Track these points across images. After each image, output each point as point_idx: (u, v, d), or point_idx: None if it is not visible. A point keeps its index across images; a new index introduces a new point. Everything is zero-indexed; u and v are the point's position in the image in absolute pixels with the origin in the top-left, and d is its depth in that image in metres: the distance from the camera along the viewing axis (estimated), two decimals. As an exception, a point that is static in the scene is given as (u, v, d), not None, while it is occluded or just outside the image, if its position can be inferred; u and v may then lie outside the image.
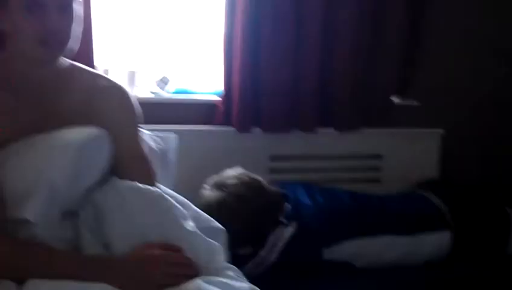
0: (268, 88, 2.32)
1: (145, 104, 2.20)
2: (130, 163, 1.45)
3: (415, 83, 2.67)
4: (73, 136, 1.34)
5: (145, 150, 1.55)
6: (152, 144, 1.79)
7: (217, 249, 1.38)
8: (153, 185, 1.44)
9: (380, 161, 2.65)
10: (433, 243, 2.06)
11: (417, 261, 2.05)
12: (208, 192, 1.93)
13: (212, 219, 1.60)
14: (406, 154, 2.65)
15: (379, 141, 2.63)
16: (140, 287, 1.24)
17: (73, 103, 1.41)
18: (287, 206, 1.98)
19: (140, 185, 1.39)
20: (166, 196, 1.39)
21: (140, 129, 1.54)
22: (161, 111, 2.32)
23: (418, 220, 2.07)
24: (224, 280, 1.28)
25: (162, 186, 1.48)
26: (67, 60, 1.44)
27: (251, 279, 1.44)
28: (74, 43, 1.36)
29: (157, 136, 1.89)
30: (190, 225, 1.37)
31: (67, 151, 1.31)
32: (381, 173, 2.65)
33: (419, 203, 2.16)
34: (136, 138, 1.50)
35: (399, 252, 2.01)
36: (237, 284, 1.29)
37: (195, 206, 1.64)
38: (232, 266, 1.38)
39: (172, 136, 1.93)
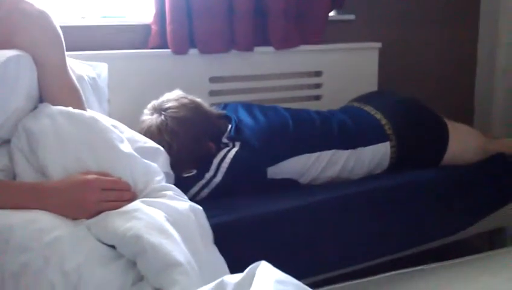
0: (201, 6, 2.25)
1: (76, 29, 2.14)
2: (58, 92, 1.42)
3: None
4: None
5: (74, 78, 1.50)
6: (81, 72, 1.73)
7: (154, 169, 1.38)
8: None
9: (320, 78, 2.65)
10: (374, 155, 2.09)
11: (359, 173, 2.08)
12: (148, 117, 1.88)
13: (149, 139, 1.58)
14: (346, 69, 2.66)
15: (318, 57, 2.62)
16: (77, 212, 1.23)
17: None
18: (229, 127, 1.96)
19: (71, 109, 1.35)
20: (98, 119, 1.36)
21: (68, 57, 1.48)
22: (93, 36, 2.23)
23: (360, 134, 2.09)
24: (163, 201, 1.28)
25: (94, 112, 1.45)
26: None
27: (197, 201, 1.44)
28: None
29: (87, 64, 1.84)
30: (126, 146, 1.35)
31: None
32: (322, 89, 2.66)
33: (360, 117, 2.17)
34: (63, 66, 1.46)
35: (341, 166, 2.03)
36: (177, 203, 1.29)
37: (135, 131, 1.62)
38: (171, 185, 1.38)
39: (102, 64, 1.90)
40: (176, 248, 1.15)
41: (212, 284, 1.02)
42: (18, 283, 1.11)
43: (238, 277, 1.07)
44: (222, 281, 1.06)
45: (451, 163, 2.18)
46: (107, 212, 1.22)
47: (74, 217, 1.22)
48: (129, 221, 1.18)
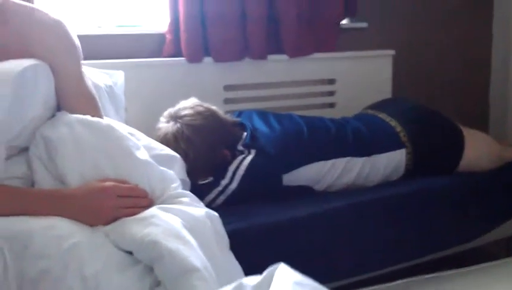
0: (215, 14, 2.27)
1: (91, 38, 2.16)
2: (75, 100, 1.42)
3: (363, 5, 2.65)
4: (10, 67, 1.29)
5: (90, 86, 1.51)
6: (98, 80, 1.75)
7: (171, 176, 1.38)
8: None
9: (333, 86, 2.65)
10: (389, 162, 2.08)
11: (374, 180, 2.08)
12: (164, 124, 1.89)
13: (165, 146, 1.59)
14: (359, 77, 2.67)
15: (332, 65, 2.62)
16: (94, 218, 1.24)
17: (10, 36, 1.35)
18: (244, 134, 1.97)
19: (88, 117, 1.37)
20: (115, 127, 1.37)
21: (84, 66, 1.50)
22: (108, 45, 2.25)
23: (375, 141, 2.09)
24: (180, 207, 1.29)
25: (111, 120, 1.46)
26: None
27: (213, 208, 1.44)
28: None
29: (104, 72, 1.86)
30: (142, 154, 1.36)
31: (7, 81, 1.26)
32: (336, 97, 2.66)
33: (375, 124, 2.16)
34: (80, 74, 1.47)
35: (356, 173, 2.03)
36: (193, 210, 1.30)
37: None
38: (187, 192, 1.39)
39: (119, 72, 1.92)
40: (193, 254, 1.16)
41: (231, 286, 1.02)
42: (36, 289, 1.11)
43: (256, 279, 1.07)
44: (241, 283, 1.06)
45: (466, 170, 2.17)
46: (124, 218, 1.23)
47: (91, 224, 1.23)
48: (146, 227, 1.18)
